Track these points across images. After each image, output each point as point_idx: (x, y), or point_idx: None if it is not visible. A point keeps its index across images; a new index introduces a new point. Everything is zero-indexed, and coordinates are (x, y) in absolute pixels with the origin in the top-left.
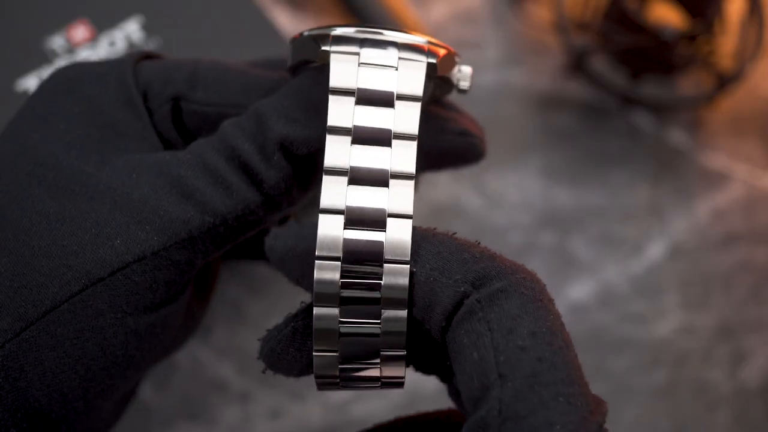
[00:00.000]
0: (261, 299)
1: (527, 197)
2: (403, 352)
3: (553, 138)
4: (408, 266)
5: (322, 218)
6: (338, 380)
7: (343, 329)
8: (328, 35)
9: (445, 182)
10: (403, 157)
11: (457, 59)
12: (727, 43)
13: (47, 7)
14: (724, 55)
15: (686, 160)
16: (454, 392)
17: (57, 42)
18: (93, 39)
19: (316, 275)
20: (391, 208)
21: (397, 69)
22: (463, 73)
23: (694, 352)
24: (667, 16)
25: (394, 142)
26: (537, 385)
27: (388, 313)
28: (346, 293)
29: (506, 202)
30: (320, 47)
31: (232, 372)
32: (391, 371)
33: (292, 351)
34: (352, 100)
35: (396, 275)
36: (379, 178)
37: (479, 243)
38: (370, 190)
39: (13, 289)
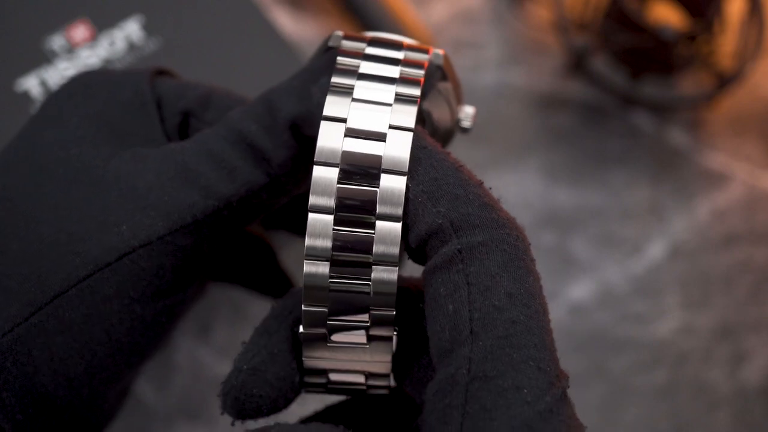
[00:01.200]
0: (261, 299)
1: (527, 197)
2: (393, 312)
3: (553, 138)
4: (404, 179)
5: (323, 125)
6: (325, 383)
7: (333, 286)
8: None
9: None
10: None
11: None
12: (727, 43)
13: (47, 7)
14: (724, 55)
15: (686, 160)
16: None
17: (57, 42)
18: (93, 39)
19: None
20: (392, 121)
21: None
22: (466, 113)
23: (694, 352)
24: (667, 16)
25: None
26: (508, 347)
27: (379, 248)
28: (340, 231)
29: (506, 202)
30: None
31: None
32: (380, 331)
33: (273, 369)
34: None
35: (392, 186)
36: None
37: (482, 183)
38: (371, 108)
39: (23, 275)
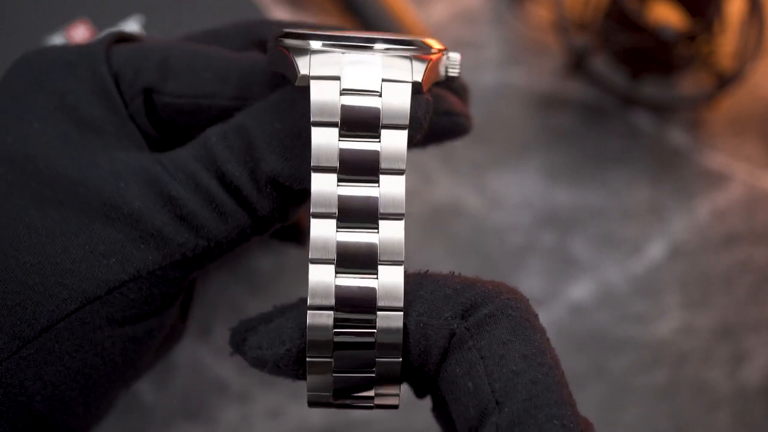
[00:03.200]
0: (261, 299)
1: (527, 197)
2: (398, 392)
3: (553, 138)
4: (402, 313)
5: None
6: (330, 398)
7: (337, 375)
8: (306, 50)
9: (445, 182)
10: (392, 194)
11: (445, 55)
12: (727, 43)
13: (47, 7)
14: (724, 55)
15: (686, 160)
16: (441, 416)
17: (57, 42)
18: (93, 39)
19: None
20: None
21: (381, 95)
22: (451, 60)
23: (694, 352)
24: (667, 16)
25: (383, 177)
26: (533, 408)
27: (382, 361)
28: (339, 339)
29: (506, 202)
30: (299, 72)
31: (232, 372)
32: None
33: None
34: (335, 131)
35: (390, 320)
36: (369, 215)
37: (453, 273)
38: (360, 233)
39: (7, 307)
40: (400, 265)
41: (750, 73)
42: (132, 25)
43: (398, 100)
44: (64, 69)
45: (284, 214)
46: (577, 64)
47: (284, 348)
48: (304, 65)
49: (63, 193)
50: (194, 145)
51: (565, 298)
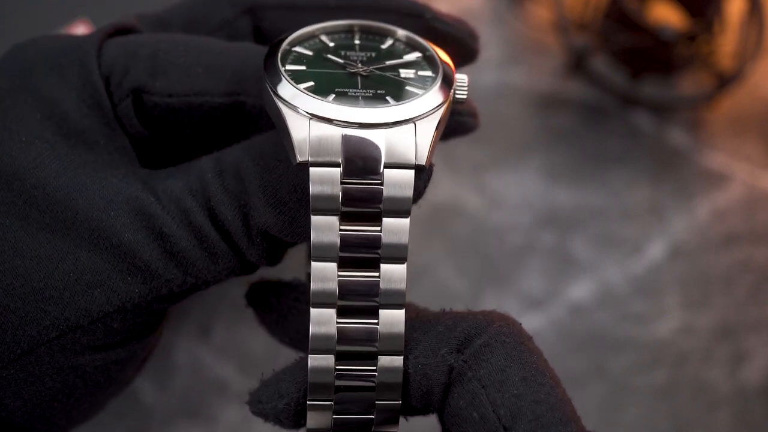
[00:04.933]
0: None
1: (527, 197)
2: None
3: (553, 138)
4: (402, 356)
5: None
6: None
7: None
8: (304, 117)
9: (445, 182)
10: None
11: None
12: (727, 43)
13: (47, 7)
14: (724, 55)
15: (686, 160)
16: None
17: None
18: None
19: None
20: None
21: (382, 182)
22: (459, 82)
23: (694, 352)
24: (667, 16)
25: (383, 265)
26: (540, 428)
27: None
28: (340, 382)
29: (506, 202)
30: (297, 157)
31: (232, 372)
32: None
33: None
34: (335, 220)
35: (391, 362)
36: (367, 306)
37: (444, 310)
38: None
39: None
40: (401, 308)
41: (750, 73)
42: None
43: (401, 190)
44: (54, 72)
45: (273, 259)
46: (577, 64)
47: (283, 402)
48: (302, 147)
49: (51, 216)
50: (188, 174)
51: (565, 298)
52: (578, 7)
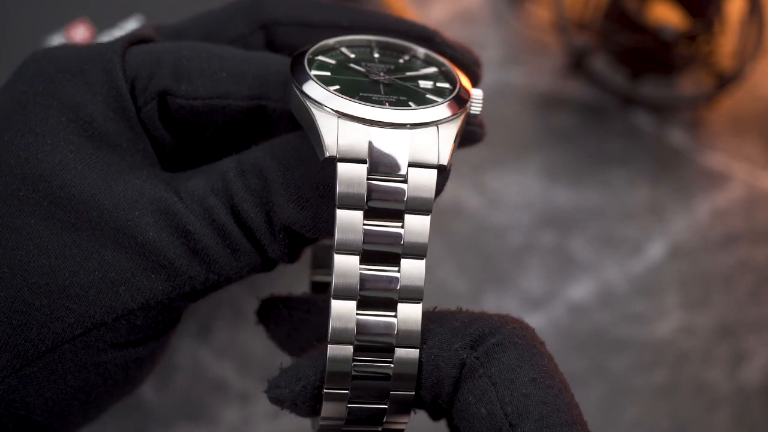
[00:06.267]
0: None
1: (527, 197)
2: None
3: (553, 138)
4: (417, 349)
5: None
6: (341, 426)
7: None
8: (332, 114)
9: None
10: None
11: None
12: (727, 43)
13: (47, 7)
14: (724, 55)
15: (686, 160)
16: None
17: (57, 42)
18: (93, 39)
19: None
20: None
21: (406, 180)
22: (473, 98)
23: (694, 352)
24: (667, 16)
25: (403, 260)
26: (545, 428)
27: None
28: (358, 371)
29: (506, 202)
30: (326, 152)
31: (232, 372)
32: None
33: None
34: (360, 215)
35: (407, 353)
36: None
37: (460, 309)
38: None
39: (12, 326)
40: (419, 302)
41: (750, 73)
42: (132, 25)
43: (424, 191)
44: (78, 77)
45: (294, 255)
46: (577, 64)
47: (300, 384)
48: (331, 143)
49: (76, 215)
50: (211, 174)
51: (565, 298)
52: (578, 7)
